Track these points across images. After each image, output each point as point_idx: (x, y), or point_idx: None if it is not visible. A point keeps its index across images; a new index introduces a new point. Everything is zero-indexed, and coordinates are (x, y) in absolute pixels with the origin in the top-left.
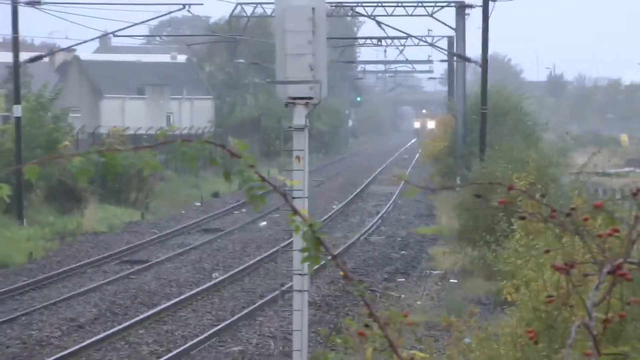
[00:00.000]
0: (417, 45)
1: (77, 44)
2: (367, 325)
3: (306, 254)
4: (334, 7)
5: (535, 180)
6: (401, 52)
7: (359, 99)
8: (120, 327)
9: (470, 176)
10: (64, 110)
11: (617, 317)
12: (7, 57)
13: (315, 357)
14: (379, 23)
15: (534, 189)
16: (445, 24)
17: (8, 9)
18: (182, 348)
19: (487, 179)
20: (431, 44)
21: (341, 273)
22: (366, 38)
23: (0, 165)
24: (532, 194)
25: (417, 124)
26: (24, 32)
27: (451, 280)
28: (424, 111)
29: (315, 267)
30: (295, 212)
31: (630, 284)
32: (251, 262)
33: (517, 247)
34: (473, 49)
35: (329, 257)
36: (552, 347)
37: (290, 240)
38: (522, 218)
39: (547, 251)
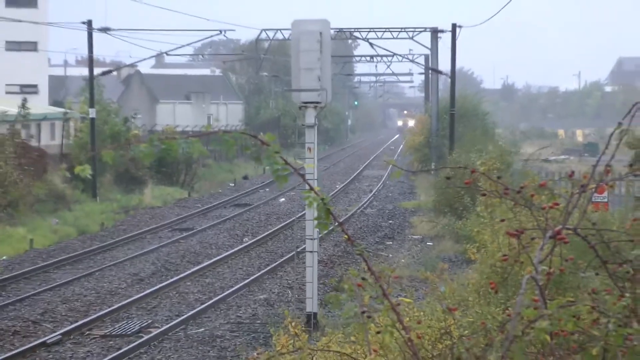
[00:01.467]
0: (401, 61)
1: (138, 61)
2: (363, 278)
3: (318, 221)
4: (337, 32)
5: (497, 165)
6: (388, 66)
7: (356, 103)
8: (172, 280)
9: (441, 163)
10: (129, 115)
11: (558, 271)
12: (84, 71)
13: (327, 298)
14: (371, 44)
15: (492, 172)
16: (423, 45)
17: (85, 34)
18: (220, 296)
19: (455, 164)
20: (412, 60)
21: (345, 237)
22: (361, 56)
23: (81, 154)
24: (491, 176)
25: (399, 123)
26: (97, 52)
27: (427, 243)
28: (405, 112)
29: (325, 232)
30: (310, 189)
31: (568, 245)
32: (273, 229)
33: (478, 218)
34: (444, 64)
35: (336, 224)
36: (507, 295)
37: (303, 213)
38: (484, 194)
39: (502, 220)
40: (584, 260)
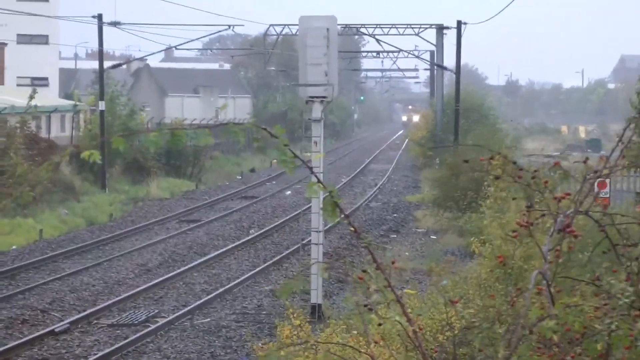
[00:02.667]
0: (407, 57)
1: (147, 55)
2: (364, 271)
3: (325, 212)
4: (343, 28)
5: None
6: (394, 62)
7: (362, 98)
8: (179, 270)
9: (445, 157)
10: (136, 107)
11: (566, 250)
12: (94, 65)
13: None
14: (377, 40)
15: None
16: (428, 41)
17: (95, 28)
18: (226, 287)
19: (461, 158)
20: (417, 56)
21: (351, 229)
22: (368, 52)
23: (91, 145)
24: (507, 163)
25: (404, 118)
26: (107, 46)
27: (431, 237)
28: (410, 107)
29: (333, 223)
30: (318, 180)
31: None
32: (279, 222)
33: (486, 211)
34: (449, 60)
35: (342, 216)
36: (508, 287)
37: (309, 205)
38: (497, 177)
39: (514, 198)
40: (592, 244)
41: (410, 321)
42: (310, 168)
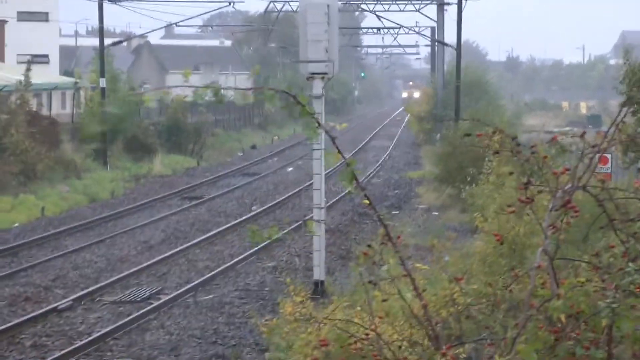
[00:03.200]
0: (407, 33)
1: (148, 32)
2: (369, 246)
3: (343, 179)
4: (344, 4)
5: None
6: (395, 38)
7: (363, 74)
8: (181, 247)
9: (446, 133)
10: (136, 84)
11: (565, 226)
12: (94, 42)
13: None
14: (378, 17)
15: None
16: (429, 17)
17: (95, 5)
18: (229, 263)
19: (462, 133)
20: (418, 33)
21: (365, 201)
22: (368, 28)
23: (93, 121)
24: (506, 133)
25: (405, 94)
26: (107, 23)
27: (433, 213)
28: (410, 83)
29: (347, 190)
30: (339, 152)
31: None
32: (281, 198)
33: (489, 186)
34: (450, 36)
35: (356, 186)
36: (511, 263)
37: (310, 182)
38: (496, 152)
39: (511, 173)
40: (590, 219)
41: (420, 296)
42: (332, 138)
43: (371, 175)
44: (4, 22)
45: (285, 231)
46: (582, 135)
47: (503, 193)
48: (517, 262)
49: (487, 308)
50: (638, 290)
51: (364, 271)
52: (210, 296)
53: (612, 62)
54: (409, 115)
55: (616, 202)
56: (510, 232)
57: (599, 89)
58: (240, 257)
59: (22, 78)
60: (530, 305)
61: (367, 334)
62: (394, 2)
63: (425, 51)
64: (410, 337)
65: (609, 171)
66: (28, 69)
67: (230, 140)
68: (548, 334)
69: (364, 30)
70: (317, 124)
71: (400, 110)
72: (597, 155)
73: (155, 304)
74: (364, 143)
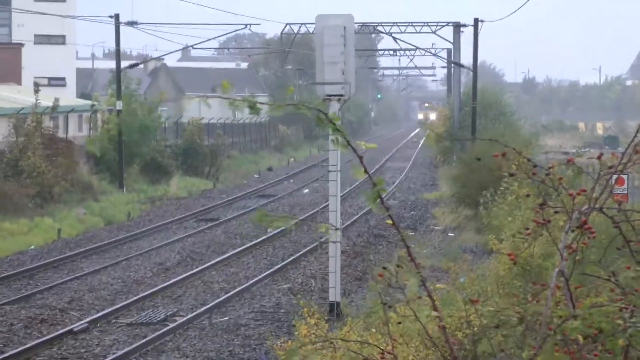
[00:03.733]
0: (424, 55)
1: (164, 54)
2: (384, 268)
3: (370, 201)
4: (360, 26)
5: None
6: (411, 60)
7: (379, 96)
8: (197, 269)
9: (463, 155)
10: (154, 105)
11: (581, 246)
12: (111, 64)
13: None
14: (394, 39)
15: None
16: (445, 39)
17: (112, 28)
18: (244, 285)
19: (479, 155)
20: (434, 54)
21: (388, 222)
22: (385, 50)
23: (109, 143)
24: (522, 162)
25: (420, 116)
26: (124, 45)
27: (449, 234)
28: (426, 105)
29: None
30: (366, 171)
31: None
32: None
33: (506, 208)
34: (466, 58)
35: (381, 205)
36: (526, 284)
37: (326, 204)
38: (512, 175)
39: (527, 195)
40: (607, 240)
41: (440, 317)
42: (360, 157)
43: (387, 197)
44: (21, 45)
45: (295, 222)
46: (599, 157)
47: (519, 215)
48: (532, 284)
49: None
50: None
51: (381, 292)
52: (226, 318)
53: (629, 82)
54: (426, 135)
55: (632, 224)
56: (525, 252)
57: (616, 110)
58: (255, 279)
59: (37, 100)
60: (542, 328)
61: (382, 356)
62: (411, 24)
63: (441, 73)
64: (426, 358)
65: (625, 192)
66: (36, 91)
67: (247, 163)
68: (564, 356)
69: (381, 52)
70: (346, 142)
71: (416, 131)
72: (614, 177)
73: (171, 325)
74: (380, 164)
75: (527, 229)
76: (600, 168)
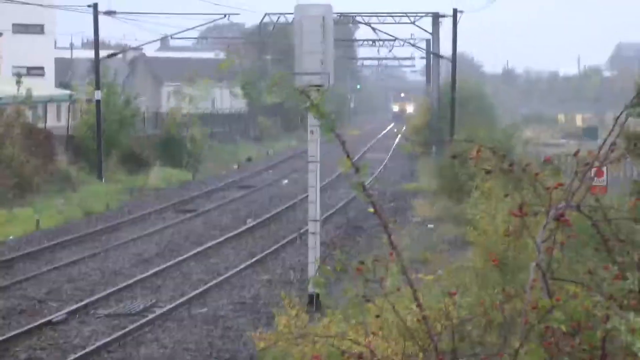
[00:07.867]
0: (403, 45)
1: (143, 44)
2: (362, 262)
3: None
4: (339, 16)
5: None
6: (390, 50)
7: (358, 86)
8: (175, 260)
9: (441, 147)
10: (131, 96)
11: (559, 245)
12: (90, 54)
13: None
14: (373, 29)
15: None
16: (424, 30)
17: (90, 17)
18: (223, 276)
19: (458, 148)
20: (413, 45)
21: (371, 210)
22: (363, 40)
23: (87, 134)
24: (498, 151)
25: (395, 108)
26: (103, 35)
27: (428, 225)
28: (402, 95)
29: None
30: (348, 157)
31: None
32: (276, 211)
33: (478, 200)
34: (445, 49)
35: (363, 191)
36: (504, 277)
37: (305, 195)
38: (488, 172)
39: (506, 195)
40: (585, 238)
41: (420, 306)
42: (343, 143)
43: (367, 187)
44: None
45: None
46: (575, 154)
47: (492, 207)
48: (510, 275)
49: (480, 323)
50: (634, 303)
51: (359, 286)
52: (205, 309)
53: (607, 74)
54: (403, 130)
55: (610, 222)
56: (501, 247)
57: (595, 101)
58: (234, 270)
59: (19, 91)
60: (524, 320)
61: (361, 353)
62: (389, 14)
63: (421, 63)
64: (404, 350)
65: (604, 184)
66: (18, 82)
67: (226, 154)
68: (546, 347)
69: (360, 42)
70: (332, 124)
71: (395, 122)
72: (593, 170)
73: (150, 317)
74: (359, 155)
75: (508, 229)
76: (577, 164)
